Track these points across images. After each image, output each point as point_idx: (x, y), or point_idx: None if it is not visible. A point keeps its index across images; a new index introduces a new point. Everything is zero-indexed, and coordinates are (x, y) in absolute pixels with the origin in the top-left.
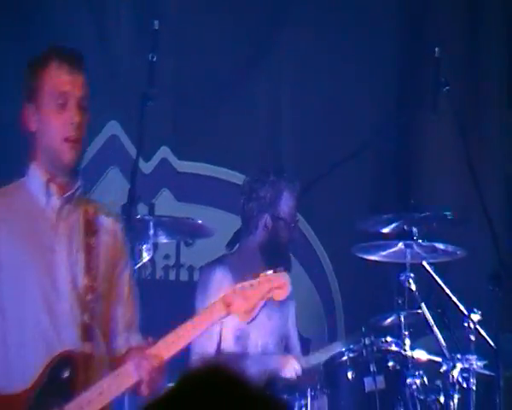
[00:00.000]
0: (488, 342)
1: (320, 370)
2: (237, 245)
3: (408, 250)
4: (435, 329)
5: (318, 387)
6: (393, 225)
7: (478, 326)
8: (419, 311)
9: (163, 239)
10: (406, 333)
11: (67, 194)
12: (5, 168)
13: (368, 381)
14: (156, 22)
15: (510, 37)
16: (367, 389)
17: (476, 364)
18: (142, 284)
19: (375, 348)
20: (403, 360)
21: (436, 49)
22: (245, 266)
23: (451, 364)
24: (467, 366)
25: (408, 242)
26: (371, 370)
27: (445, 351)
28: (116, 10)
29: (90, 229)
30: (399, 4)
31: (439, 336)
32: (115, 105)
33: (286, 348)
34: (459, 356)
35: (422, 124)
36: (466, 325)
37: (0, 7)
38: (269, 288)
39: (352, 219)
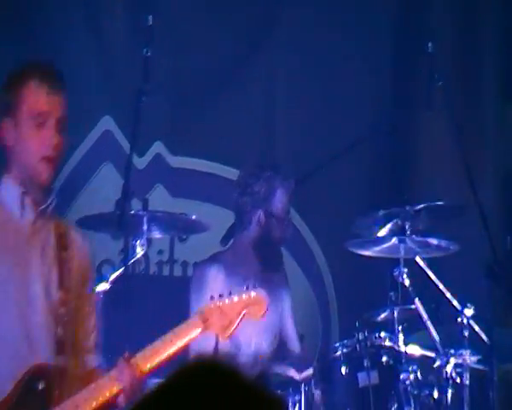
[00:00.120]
0: (482, 337)
1: (314, 365)
2: (231, 241)
3: (401, 245)
4: (429, 324)
5: (312, 382)
6: (387, 221)
7: (471, 321)
8: (413, 306)
9: (157, 235)
10: (400, 328)
11: (41, 208)
12: None
13: (362, 376)
14: (150, 17)
15: (505, 31)
16: (361, 385)
17: (470, 359)
18: (136, 280)
19: (368, 344)
20: (396, 355)
21: (429, 44)
22: (239, 262)
23: (445, 359)
24: (460, 361)
25: (401, 237)
26: (365, 365)
27: (439, 346)
28: (111, 6)
29: (63, 243)
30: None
31: (433, 332)
32: (109, 100)
33: (282, 341)
34: (453, 351)
35: (417, 119)
36: (459, 320)
37: None
38: (246, 305)
39: (346, 214)
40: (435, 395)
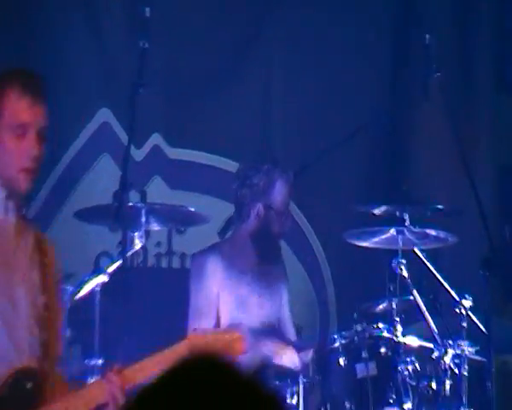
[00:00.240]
0: (480, 327)
1: (312, 357)
2: (229, 233)
3: (400, 236)
4: (427, 315)
5: (310, 373)
6: (385, 211)
7: (469, 312)
8: (411, 297)
9: (155, 227)
10: (398, 319)
11: (23, 212)
12: None
13: (360, 367)
14: (147, 9)
15: (501, 23)
16: (359, 376)
17: (468, 350)
18: (134, 272)
19: (366, 335)
20: (394, 346)
21: (426, 36)
22: (237, 254)
23: (443, 350)
24: (458, 351)
25: (400, 228)
26: (363, 356)
27: (437, 337)
28: (108, 0)
29: (41, 247)
30: None
31: (431, 323)
32: (107, 92)
33: (280, 332)
34: (451, 342)
35: (415, 111)
36: (457, 311)
37: None
38: (228, 341)
39: (344, 206)
40: (433, 385)
